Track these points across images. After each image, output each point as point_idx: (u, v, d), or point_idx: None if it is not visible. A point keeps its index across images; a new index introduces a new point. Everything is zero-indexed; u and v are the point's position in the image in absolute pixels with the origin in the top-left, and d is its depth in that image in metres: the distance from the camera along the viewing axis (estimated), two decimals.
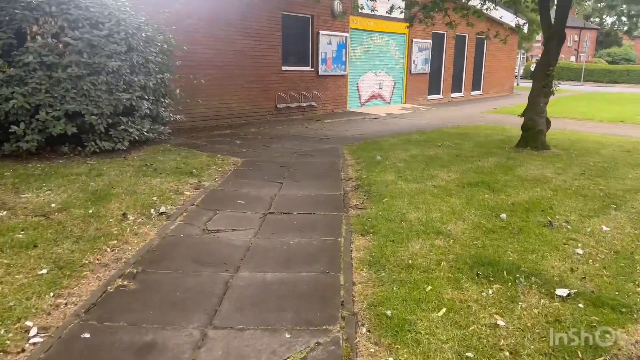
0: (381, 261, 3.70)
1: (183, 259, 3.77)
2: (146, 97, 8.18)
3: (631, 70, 44.69)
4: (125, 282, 3.35)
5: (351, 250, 3.97)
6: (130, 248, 3.93)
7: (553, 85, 8.73)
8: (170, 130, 9.10)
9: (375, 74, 17.17)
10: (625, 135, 11.65)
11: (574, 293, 3.30)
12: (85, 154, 7.24)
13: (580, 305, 3.16)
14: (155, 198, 5.14)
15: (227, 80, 11.86)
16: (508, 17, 19.79)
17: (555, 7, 9.06)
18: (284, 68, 13.38)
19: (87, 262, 3.61)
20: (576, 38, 63.29)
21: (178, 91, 9.45)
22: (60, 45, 6.98)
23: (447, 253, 3.87)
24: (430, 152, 8.22)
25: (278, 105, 13.33)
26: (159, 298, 3.16)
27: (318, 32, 14.18)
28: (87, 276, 3.43)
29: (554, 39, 8.72)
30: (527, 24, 11.34)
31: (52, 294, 3.15)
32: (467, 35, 21.15)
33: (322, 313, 2.97)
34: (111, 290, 3.25)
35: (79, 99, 6.97)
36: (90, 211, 4.55)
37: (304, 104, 14.12)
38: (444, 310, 3.00)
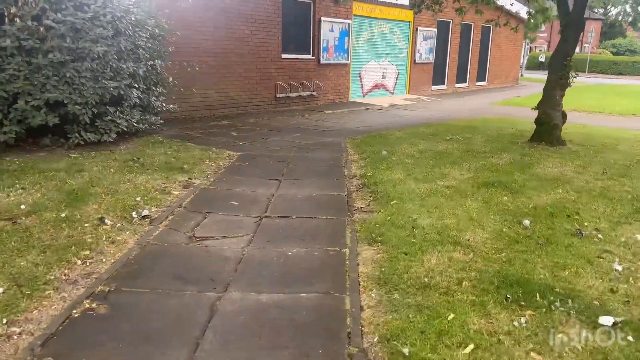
0: (393, 279, 3.21)
1: (164, 274, 3.27)
2: (136, 86, 7.64)
3: (636, 62, 43.93)
4: (93, 305, 2.85)
5: (358, 264, 3.48)
6: (104, 260, 3.42)
7: (570, 76, 8.19)
8: (162, 121, 8.57)
9: (379, 63, 16.58)
10: None
11: (620, 322, 2.81)
12: (68, 146, 6.72)
13: (630, 338, 2.67)
14: (138, 198, 4.63)
15: (224, 69, 11.30)
16: (517, 5, 19.16)
17: None
18: (284, 56, 12.80)
19: (52, 277, 3.11)
20: None
21: (171, 79, 8.90)
22: (41, 29, 6.41)
23: (468, 269, 3.38)
24: (440, 147, 7.70)
25: (277, 95, 12.78)
26: (131, 327, 2.66)
27: (320, 19, 13.58)
28: (50, 296, 2.93)
29: (572, 27, 8.16)
30: (540, 12, 10.74)
31: (5, 321, 2.66)
32: (472, 24, 20.54)
33: (326, 350, 2.47)
34: (76, 316, 2.75)
35: (62, 87, 6.44)
36: (64, 214, 4.04)
37: (305, 94, 13.57)
38: (471, 346, 2.50)
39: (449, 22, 19.07)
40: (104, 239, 3.72)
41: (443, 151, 7.39)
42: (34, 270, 3.16)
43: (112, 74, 6.98)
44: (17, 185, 4.73)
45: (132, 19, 7.52)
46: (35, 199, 4.36)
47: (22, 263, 3.23)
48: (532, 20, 12.35)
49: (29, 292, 2.93)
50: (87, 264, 3.35)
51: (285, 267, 3.43)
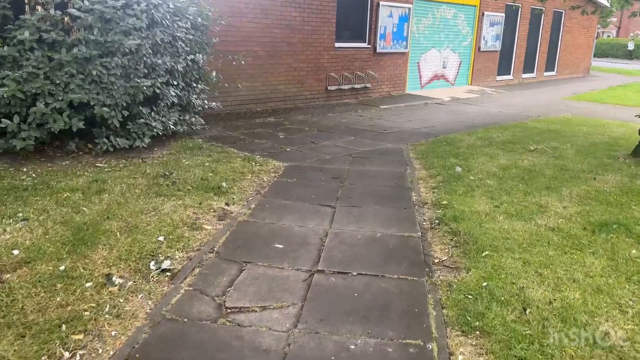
0: None
1: None
2: (174, 83, 6.76)
3: None
4: None
5: None
6: (100, 351, 2.50)
7: None
8: (203, 122, 7.68)
9: (440, 51, 15.15)
10: None
11: None
12: (96, 152, 5.94)
13: None
14: (161, 238, 3.71)
15: (273, 59, 10.31)
16: None
17: None
18: (337, 45, 11.68)
19: None
20: None
21: (214, 74, 7.99)
22: (66, 19, 5.60)
23: None
24: (525, 162, 6.42)
25: (329, 87, 11.71)
26: None
27: (378, 4, 12.33)
28: None
29: None
30: None
31: None
32: (544, 8, 18.62)
33: None
34: None
35: (87, 87, 5.62)
36: (63, 267, 3.16)
37: (358, 86, 12.42)
38: None
39: (519, 6, 17.28)
40: (106, 310, 2.80)
41: (531, 168, 6.12)
42: None
43: (146, 71, 6.12)
44: (20, 214, 3.91)
45: (171, 6, 6.61)
46: (35, 239, 3.51)
47: None
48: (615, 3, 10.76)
49: None
50: (77, 357, 2.43)
51: None
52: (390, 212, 4.61)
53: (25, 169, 5.19)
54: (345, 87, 12.11)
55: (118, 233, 3.69)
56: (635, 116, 7.45)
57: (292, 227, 4.16)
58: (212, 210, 4.38)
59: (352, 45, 12.12)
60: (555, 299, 3.06)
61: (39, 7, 5.51)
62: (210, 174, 5.39)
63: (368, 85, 12.70)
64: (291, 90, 10.93)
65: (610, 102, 14.41)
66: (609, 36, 52.40)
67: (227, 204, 4.59)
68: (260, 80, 10.18)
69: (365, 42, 12.51)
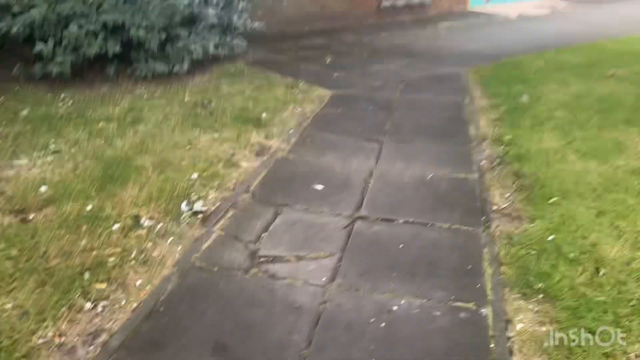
0: None
1: (201, 339, 2.14)
2: (213, 2, 6.30)
3: None
4: None
5: (511, 352, 2.09)
6: (124, 302, 2.34)
7: None
8: (245, 43, 7.22)
9: None
10: None
11: None
12: (135, 78, 5.72)
13: None
14: (195, 175, 3.48)
15: None
16: None
17: None
18: None
19: (40, 342, 2.10)
20: None
21: None
22: None
23: None
24: (600, 90, 5.67)
25: (382, 4, 10.81)
26: None
27: None
28: None
29: None
30: None
31: None
32: None
33: None
34: None
35: (121, 7, 5.28)
36: (90, 207, 3.00)
37: (414, 2, 11.41)
38: None
39: None
40: (132, 255, 2.63)
41: (607, 97, 5.39)
42: (18, 325, 2.15)
43: None
44: (52, 146, 3.78)
45: None
46: (64, 174, 3.36)
47: (7, 306, 2.25)
48: None
49: None
50: (99, 309, 2.29)
51: (388, 343, 2.14)
52: (443, 150, 4.16)
53: (62, 95, 5.05)
54: (400, 3, 11.15)
55: (151, 169, 3.49)
56: None
57: (334, 166, 3.82)
58: (249, 145, 4.09)
59: None
60: (634, 259, 2.63)
61: None
62: (250, 103, 5.07)
63: (426, 1, 11.64)
64: (341, 8, 10.16)
65: None
66: None
67: (266, 137, 4.28)
68: None
69: None
